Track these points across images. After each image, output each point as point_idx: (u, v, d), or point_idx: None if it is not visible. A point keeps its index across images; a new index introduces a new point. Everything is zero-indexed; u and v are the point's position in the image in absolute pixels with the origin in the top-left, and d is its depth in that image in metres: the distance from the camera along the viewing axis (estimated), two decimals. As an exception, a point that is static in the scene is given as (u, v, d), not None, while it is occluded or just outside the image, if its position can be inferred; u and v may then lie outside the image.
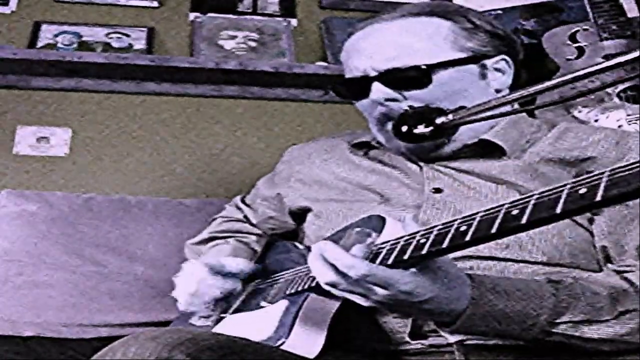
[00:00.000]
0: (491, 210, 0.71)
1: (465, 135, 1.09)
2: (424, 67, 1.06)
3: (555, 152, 1.07)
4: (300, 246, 1.21)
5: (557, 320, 0.88)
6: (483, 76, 1.11)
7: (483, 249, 0.96)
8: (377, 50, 1.09)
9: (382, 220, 0.98)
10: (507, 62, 1.14)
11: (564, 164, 1.05)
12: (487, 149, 1.09)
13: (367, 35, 1.12)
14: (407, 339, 0.97)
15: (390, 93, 1.07)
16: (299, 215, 1.26)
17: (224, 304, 1.15)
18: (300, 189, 1.25)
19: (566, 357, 0.94)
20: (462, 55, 1.09)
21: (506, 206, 0.69)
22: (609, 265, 1.00)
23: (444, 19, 1.10)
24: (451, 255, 0.82)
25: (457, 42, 1.10)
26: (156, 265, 1.69)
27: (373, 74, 1.08)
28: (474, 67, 1.10)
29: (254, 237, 1.33)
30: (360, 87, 1.10)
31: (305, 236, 1.23)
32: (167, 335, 0.75)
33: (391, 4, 2.21)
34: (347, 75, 1.15)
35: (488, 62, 1.12)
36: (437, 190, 1.06)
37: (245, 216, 1.38)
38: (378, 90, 1.07)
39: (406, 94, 1.07)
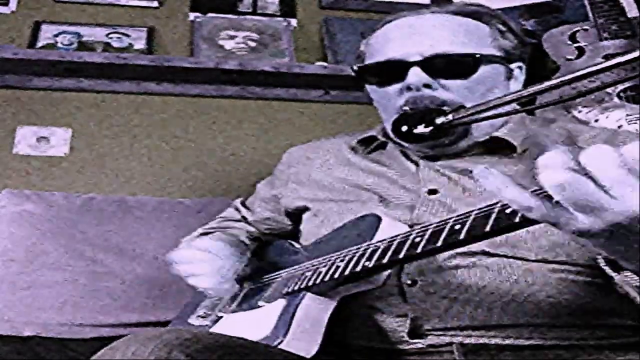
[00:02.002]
0: (485, 209, 0.71)
1: (479, 132, 1.10)
2: (477, 55, 1.07)
3: (537, 141, 1.08)
4: (297, 245, 1.21)
5: None
6: (507, 79, 1.14)
7: (476, 246, 0.96)
8: (424, 36, 1.09)
9: (378, 219, 0.99)
10: (522, 69, 1.17)
11: None
12: (498, 147, 1.10)
13: (413, 22, 1.12)
14: (406, 338, 0.97)
15: (428, 79, 1.07)
16: (296, 215, 1.27)
17: (225, 302, 1.16)
18: (298, 189, 1.26)
19: (566, 355, 0.94)
20: (500, 53, 1.12)
21: (500, 204, 0.70)
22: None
23: (481, 21, 1.13)
24: (444, 253, 0.81)
25: (495, 40, 1.13)
26: (156, 265, 1.69)
27: (416, 58, 1.07)
28: (503, 68, 1.13)
29: (245, 233, 1.33)
30: (393, 71, 1.10)
31: (301, 235, 1.23)
32: (167, 335, 0.75)
33: (391, 4, 2.22)
34: (377, 60, 1.14)
35: (512, 66, 1.15)
36: (432, 192, 1.06)
37: (243, 217, 1.39)
38: (416, 75, 1.07)
39: (443, 82, 1.07)
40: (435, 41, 1.08)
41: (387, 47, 1.13)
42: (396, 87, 1.10)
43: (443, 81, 1.07)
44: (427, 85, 1.07)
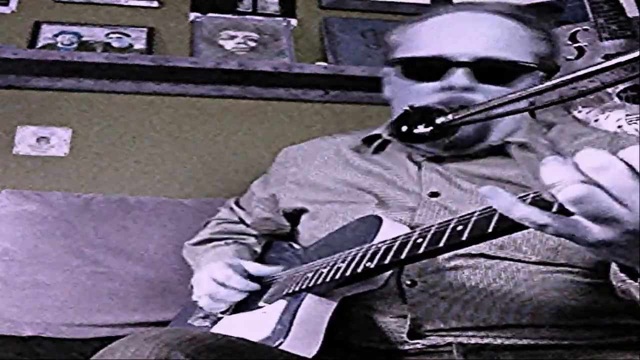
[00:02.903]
0: (487, 210, 0.71)
1: (496, 136, 1.09)
2: (522, 63, 1.06)
3: (552, 149, 1.08)
4: (297, 246, 1.21)
5: None
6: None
7: (476, 248, 0.96)
8: (480, 36, 1.07)
9: (379, 220, 0.99)
10: (542, 78, 1.14)
11: None
12: (508, 151, 1.09)
13: (467, 19, 1.10)
14: (406, 339, 0.97)
15: (473, 82, 1.05)
16: (293, 216, 1.26)
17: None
18: (296, 190, 1.25)
19: (566, 355, 0.94)
20: (536, 61, 1.10)
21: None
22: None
23: (528, 26, 1.11)
24: (444, 254, 0.81)
25: (535, 47, 1.11)
26: (156, 265, 1.69)
27: (465, 59, 1.05)
28: (537, 76, 1.11)
29: (253, 239, 1.33)
30: (436, 68, 1.07)
31: (299, 236, 1.23)
32: (167, 335, 0.75)
33: (391, 4, 2.22)
34: (421, 54, 1.10)
35: (540, 74, 1.13)
36: (434, 194, 1.06)
37: (240, 218, 1.39)
38: (463, 77, 1.04)
39: (484, 86, 1.05)
40: (488, 44, 1.06)
41: (435, 42, 1.09)
42: (435, 84, 1.07)
43: (483, 85, 1.05)
44: (468, 89, 1.05)
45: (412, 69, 1.11)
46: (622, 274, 0.79)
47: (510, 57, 1.06)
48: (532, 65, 1.09)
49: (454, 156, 1.10)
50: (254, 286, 1.11)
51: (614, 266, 0.85)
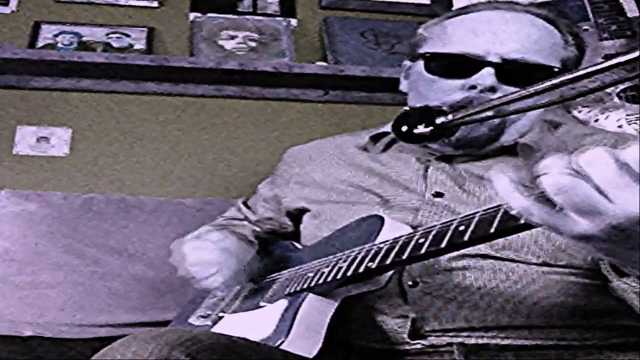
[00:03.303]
0: (489, 210, 0.71)
1: (509, 136, 1.09)
2: (549, 67, 1.04)
3: (558, 149, 1.08)
4: (299, 246, 1.21)
5: None
6: None
7: (478, 249, 0.96)
8: (511, 37, 1.05)
9: (381, 220, 0.99)
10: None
11: None
12: (520, 152, 1.08)
13: (502, 19, 1.08)
14: (407, 339, 0.97)
15: (496, 83, 1.03)
16: (296, 216, 1.26)
17: (225, 303, 1.15)
18: (299, 190, 1.25)
19: (566, 355, 0.94)
20: (560, 65, 1.09)
21: (505, 206, 0.69)
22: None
23: (557, 29, 1.10)
24: (445, 255, 0.81)
25: (562, 51, 1.10)
26: (156, 265, 1.69)
27: (494, 59, 1.04)
28: None
29: (251, 233, 1.32)
30: (465, 66, 1.05)
31: (301, 236, 1.23)
32: (167, 335, 0.75)
33: (391, 4, 2.22)
34: (453, 50, 1.08)
35: None
36: (438, 195, 1.06)
37: (245, 217, 1.39)
38: (488, 76, 1.03)
39: (507, 88, 1.03)
40: (519, 45, 1.05)
41: (468, 39, 1.07)
42: (459, 82, 1.06)
43: (506, 87, 1.03)
44: (491, 89, 1.04)
45: (437, 64, 1.10)
46: (609, 273, 0.79)
47: (538, 61, 1.05)
48: (557, 69, 1.07)
49: (463, 155, 1.10)
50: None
51: (602, 263, 0.85)
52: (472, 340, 0.94)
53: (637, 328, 0.98)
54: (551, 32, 1.10)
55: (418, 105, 1.04)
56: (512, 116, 1.04)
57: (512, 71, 1.04)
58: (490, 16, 1.09)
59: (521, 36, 1.05)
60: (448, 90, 1.06)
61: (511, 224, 0.67)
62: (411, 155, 1.15)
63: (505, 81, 1.04)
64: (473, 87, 1.04)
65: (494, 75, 1.03)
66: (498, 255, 0.97)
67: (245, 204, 1.42)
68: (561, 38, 1.10)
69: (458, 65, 1.06)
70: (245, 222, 1.37)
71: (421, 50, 1.15)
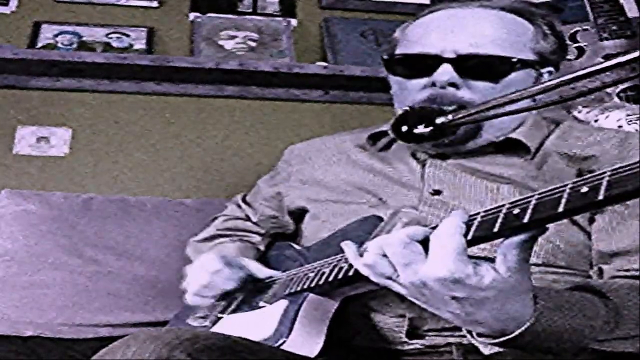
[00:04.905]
0: (492, 210, 0.71)
1: (491, 132, 1.09)
2: (514, 59, 1.05)
3: (560, 147, 1.08)
4: (298, 246, 1.21)
5: (611, 336, 0.81)
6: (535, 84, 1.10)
7: (478, 249, 0.96)
8: (464, 32, 1.06)
9: (381, 220, 0.99)
10: (552, 74, 1.13)
11: (568, 159, 1.05)
12: (512, 147, 1.09)
13: (454, 16, 1.10)
14: (405, 339, 0.97)
15: (456, 78, 1.04)
16: (298, 215, 1.26)
17: (224, 303, 1.15)
18: (300, 188, 1.25)
19: (566, 355, 0.94)
20: (536, 57, 1.09)
21: (507, 206, 0.70)
22: (605, 267, 1.00)
23: (528, 20, 1.10)
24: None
25: (536, 43, 1.10)
26: (156, 265, 1.69)
27: (450, 55, 1.05)
28: (534, 72, 1.10)
29: (258, 237, 1.32)
30: (423, 65, 1.07)
31: (302, 237, 1.23)
32: (167, 335, 0.75)
33: (391, 4, 2.22)
34: (411, 51, 1.11)
35: (543, 70, 1.12)
36: (436, 192, 1.06)
37: (246, 215, 1.38)
38: (445, 72, 1.04)
39: (471, 82, 1.05)
40: (475, 39, 1.05)
41: (424, 39, 1.09)
42: (421, 81, 1.08)
43: (471, 82, 1.05)
44: (452, 84, 1.05)
45: (402, 67, 1.12)
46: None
47: (498, 53, 1.05)
48: (527, 61, 1.07)
49: (457, 153, 1.10)
50: (242, 275, 1.11)
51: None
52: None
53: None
54: (522, 25, 1.10)
55: (401, 108, 1.06)
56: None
57: (471, 65, 1.05)
58: (444, 15, 1.11)
59: (475, 31, 1.06)
60: (416, 90, 1.09)
61: (514, 224, 0.67)
62: (408, 154, 1.15)
63: (467, 75, 1.05)
64: (433, 84, 1.06)
65: (452, 70, 1.04)
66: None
67: (244, 200, 1.42)
68: (536, 30, 1.11)
69: (418, 65, 1.09)
70: (248, 223, 1.37)
71: (393, 55, 1.17)
